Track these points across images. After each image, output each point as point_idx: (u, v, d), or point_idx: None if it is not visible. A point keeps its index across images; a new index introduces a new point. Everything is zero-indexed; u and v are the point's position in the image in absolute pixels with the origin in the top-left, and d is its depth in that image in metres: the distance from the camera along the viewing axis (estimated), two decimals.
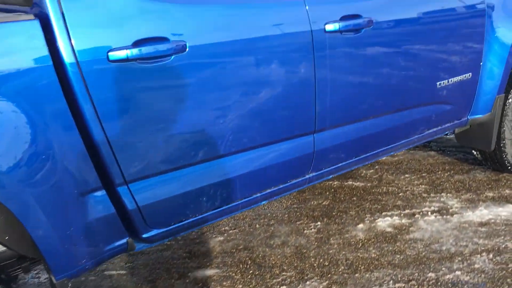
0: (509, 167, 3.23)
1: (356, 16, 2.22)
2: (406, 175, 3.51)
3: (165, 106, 1.76)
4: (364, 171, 3.61)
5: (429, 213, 2.98)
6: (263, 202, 2.24)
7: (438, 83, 2.65)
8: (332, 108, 2.26)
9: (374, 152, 2.55)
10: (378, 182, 3.45)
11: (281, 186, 2.24)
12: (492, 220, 2.86)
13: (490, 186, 3.26)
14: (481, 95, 2.91)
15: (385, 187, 3.35)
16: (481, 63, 2.83)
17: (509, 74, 2.92)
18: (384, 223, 2.92)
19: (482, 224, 2.83)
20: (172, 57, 1.72)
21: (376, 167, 3.68)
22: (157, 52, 1.68)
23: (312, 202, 3.24)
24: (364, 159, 2.53)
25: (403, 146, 2.70)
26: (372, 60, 2.31)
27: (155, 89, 1.73)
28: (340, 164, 2.43)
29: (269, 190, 2.21)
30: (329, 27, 2.13)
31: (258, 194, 2.18)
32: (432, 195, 3.20)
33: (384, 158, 3.80)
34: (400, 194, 3.25)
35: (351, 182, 3.48)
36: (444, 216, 2.93)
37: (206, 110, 1.86)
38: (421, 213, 2.99)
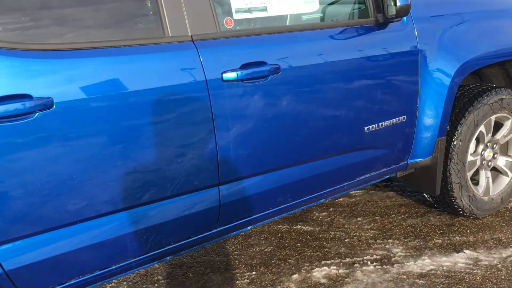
0: (461, 211, 3.06)
1: (260, 63, 2.13)
2: (358, 219, 3.36)
3: None
4: (316, 214, 3.48)
5: (370, 262, 2.83)
6: (155, 263, 2.13)
7: (366, 128, 2.53)
8: (239, 159, 2.15)
9: (296, 201, 2.42)
10: (328, 226, 3.30)
11: (183, 242, 2.12)
12: (433, 271, 2.69)
13: (441, 231, 3.09)
14: (420, 138, 2.77)
15: (333, 232, 3.21)
16: (417, 105, 2.69)
17: (449, 115, 2.78)
18: (320, 273, 2.77)
19: (421, 276, 2.66)
20: (36, 114, 1.65)
21: (330, 209, 3.54)
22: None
23: (255, 249, 3.11)
24: (284, 209, 2.41)
25: (331, 193, 2.57)
26: (282, 107, 2.21)
27: None
28: (255, 216, 2.31)
29: (168, 247, 2.10)
30: (228, 75, 2.04)
31: (156, 252, 2.07)
32: (378, 241, 3.04)
33: (341, 199, 3.66)
34: (346, 240, 3.10)
35: (300, 226, 3.34)
36: (384, 266, 2.78)
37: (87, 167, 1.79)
38: (361, 262, 2.84)
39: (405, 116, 2.66)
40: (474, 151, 3.07)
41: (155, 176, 1.96)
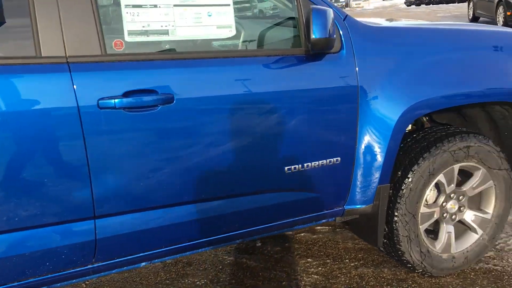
0: (411, 267, 2.73)
1: (149, 91, 1.95)
2: (309, 259, 3.10)
3: None
4: (269, 248, 3.25)
5: None
6: None
7: (286, 168, 2.29)
8: (118, 192, 1.99)
9: (193, 242, 2.22)
10: (274, 263, 3.07)
11: (49, 276, 1.99)
12: None
13: (389, 286, 2.77)
14: (358, 183, 2.48)
15: (275, 272, 2.97)
16: (356, 148, 2.41)
17: (394, 160, 2.47)
18: None
19: None
20: None
21: (286, 244, 3.30)
22: None
23: (187, 280, 2.94)
24: (181, 249, 2.21)
25: (242, 236, 2.35)
26: (173, 140, 2.03)
27: None
28: (142, 254, 2.14)
29: (40, 278, 1.98)
30: (105, 102, 1.88)
31: (31, 280, 1.96)
32: None
33: (302, 233, 3.40)
34: (284, 283, 2.85)
35: (245, 260, 3.13)
36: None
37: None
38: None
39: (339, 158, 2.39)
40: (434, 202, 2.72)
41: (27, 204, 1.86)
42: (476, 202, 2.86)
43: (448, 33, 2.68)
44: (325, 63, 2.29)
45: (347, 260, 3.07)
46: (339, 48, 2.32)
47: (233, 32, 2.17)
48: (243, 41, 2.42)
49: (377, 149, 2.41)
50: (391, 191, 2.58)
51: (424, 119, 3.12)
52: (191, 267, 3.08)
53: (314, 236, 3.39)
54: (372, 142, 2.40)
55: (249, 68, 2.15)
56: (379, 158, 2.42)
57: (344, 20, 2.35)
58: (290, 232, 3.42)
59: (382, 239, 2.63)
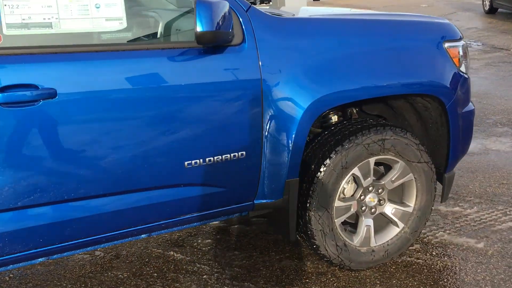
0: (328, 261, 2.71)
1: (29, 86, 1.92)
2: (236, 252, 3.08)
3: None
4: (200, 240, 3.23)
5: None
6: None
7: (186, 163, 2.26)
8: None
9: (88, 239, 2.20)
10: (200, 256, 3.06)
11: None
12: None
13: (307, 280, 2.76)
14: (266, 178, 2.45)
15: (199, 265, 2.96)
16: (262, 142, 2.38)
17: (301, 154, 2.44)
18: None
19: None
20: None
21: (218, 236, 3.28)
22: None
23: (111, 273, 2.94)
24: (63, 249, 2.18)
25: (145, 231, 2.32)
26: (56, 134, 1.99)
27: None
28: (21, 254, 2.10)
29: None
30: None
31: None
32: (235, 282, 2.76)
33: (236, 225, 3.38)
34: (204, 277, 2.84)
35: (173, 252, 3.12)
36: None
37: None
38: None
39: (244, 153, 2.35)
40: (352, 195, 2.69)
41: None
42: (399, 196, 2.83)
43: (362, 24, 2.62)
44: (225, 56, 2.24)
45: (273, 253, 3.05)
46: (241, 40, 2.27)
47: (124, 25, 2.12)
48: (146, 34, 2.37)
49: (283, 143, 2.38)
50: (305, 184, 2.54)
51: (354, 110, 3.08)
52: (118, 260, 3.07)
53: (247, 228, 3.37)
54: (278, 137, 2.37)
55: (141, 62, 2.10)
56: (285, 152, 2.39)
57: (247, 11, 2.30)
58: (224, 223, 3.40)
59: (295, 233, 2.60)
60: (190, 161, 2.27)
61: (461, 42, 2.79)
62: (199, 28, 1.99)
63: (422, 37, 2.67)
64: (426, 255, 2.93)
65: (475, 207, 3.37)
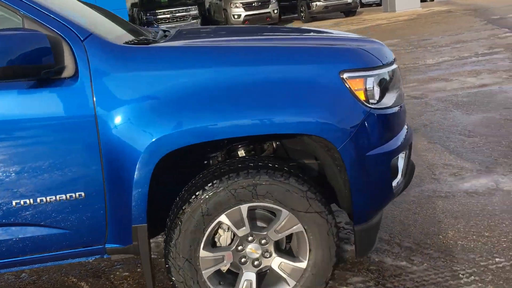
0: None
1: None
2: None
3: None
4: (119, 272, 3.11)
5: None
6: None
7: (15, 202, 2.16)
8: None
9: None
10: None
11: None
12: None
13: None
14: (113, 221, 2.26)
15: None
16: (104, 183, 2.19)
17: (146, 198, 2.20)
18: None
19: None
20: None
21: (139, 269, 3.13)
22: None
23: None
24: None
25: None
26: None
27: None
28: None
29: None
30: None
31: None
32: None
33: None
34: None
35: (84, 283, 3.04)
36: None
37: None
38: None
39: (82, 193, 2.19)
40: (229, 244, 2.39)
41: None
42: (295, 249, 2.45)
43: (236, 53, 2.30)
44: (55, 90, 2.10)
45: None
46: (73, 73, 2.11)
47: None
48: None
49: (124, 186, 2.17)
50: (166, 230, 2.31)
51: (274, 144, 2.75)
52: (34, 284, 3.06)
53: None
54: (118, 179, 2.17)
55: None
56: (127, 196, 2.18)
57: (84, 41, 2.13)
58: (155, 255, 3.23)
59: (151, 283, 2.36)
60: (18, 200, 2.15)
61: (373, 72, 2.33)
62: None
63: (310, 67, 2.27)
64: None
65: (426, 264, 2.82)
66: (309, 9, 20.18)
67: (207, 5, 24.22)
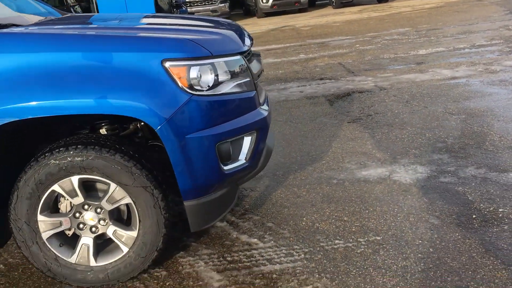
0: (42, 273, 2.75)
1: None
2: None
3: None
4: None
5: None
6: None
7: None
8: None
9: None
10: None
11: None
12: None
13: None
14: None
15: None
16: None
17: None
18: None
19: None
20: None
21: None
22: None
23: None
24: None
25: None
26: None
27: None
28: None
29: None
30: None
31: None
32: None
33: None
34: None
35: None
36: None
37: None
38: None
39: None
40: (69, 211, 2.70)
41: None
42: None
43: (50, 38, 2.56)
44: None
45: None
46: None
47: None
48: None
49: None
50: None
51: (138, 124, 3.01)
52: None
53: None
54: None
55: None
56: None
57: None
58: None
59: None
60: None
61: (197, 62, 2.55)
62: None
63: (134, 55, 2.51)
64: (160, 283, 2.77)
65: (273, 242, 3.04)
66: None
67: None
